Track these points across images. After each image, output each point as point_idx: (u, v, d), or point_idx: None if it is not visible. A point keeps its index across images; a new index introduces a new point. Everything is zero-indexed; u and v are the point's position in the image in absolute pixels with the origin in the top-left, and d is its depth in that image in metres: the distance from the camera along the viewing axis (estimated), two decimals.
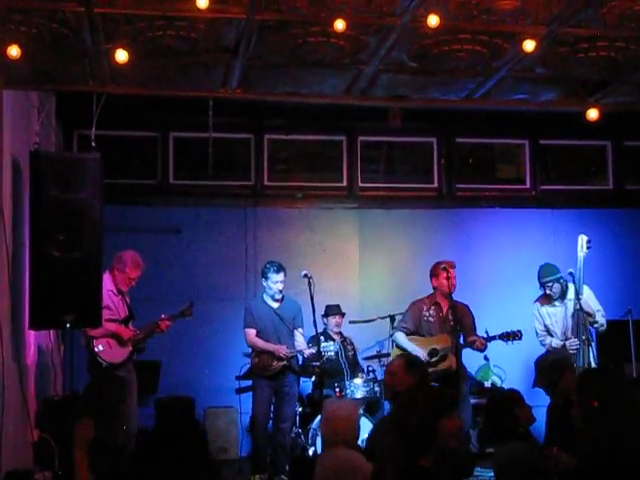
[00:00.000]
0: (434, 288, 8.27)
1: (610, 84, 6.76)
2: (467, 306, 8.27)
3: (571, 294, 8.09)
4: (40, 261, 6.57)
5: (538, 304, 8.35)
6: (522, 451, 5.19)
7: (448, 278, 8.01)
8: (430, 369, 7.64)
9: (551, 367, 6.00)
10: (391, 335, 8.56)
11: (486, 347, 8.10)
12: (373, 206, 10.74)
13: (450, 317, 8.06)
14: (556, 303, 8.21)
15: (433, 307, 8.21)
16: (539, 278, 8.24)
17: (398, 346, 8.26)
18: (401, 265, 10.10)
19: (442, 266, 8.10)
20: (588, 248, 8.09)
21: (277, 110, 9.82)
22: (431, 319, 8.20)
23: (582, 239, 8.15)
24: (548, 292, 8.21)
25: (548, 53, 6.07)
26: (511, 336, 7.94)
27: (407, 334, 8.24)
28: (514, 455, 5.22)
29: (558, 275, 8.19)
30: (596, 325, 8.11)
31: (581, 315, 7.96)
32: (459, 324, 7.96)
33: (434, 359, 7.97)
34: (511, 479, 5.19)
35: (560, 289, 8.17)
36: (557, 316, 8.21)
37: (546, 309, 8.27)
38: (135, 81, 6.52)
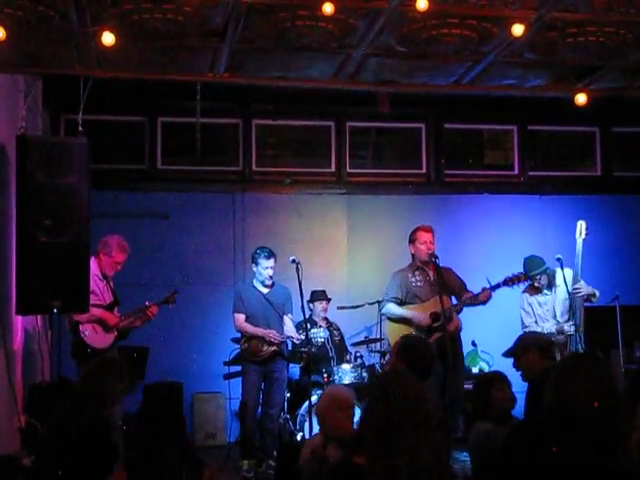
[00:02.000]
0: (412, 255, 8.03)
1: (599, 69, 6.76)
2: (451, 269, 8.05)
3: (559, 280, 8.08)
4: (27, 246, 6.54)
5: (527, 295, 8.24)
6: (488, 433, 5.30)
7: (425, 243, 7.83)
8: (440, 333, 7.54)
9: (518, 342, 6.08)
10: (381, 309, 8.23)
11: (490, 297, 7.81)
12: (361, 192, 10.73)
13: (438, 280, 7.70)
14: (546, 292, 8.20)
15: (418, 272, 7.95)
16: (525, 272, 8.17)
17: (393, 318, 7.96)
18: (389, 251, 10.08)
19: (419, 229, 7.94)
20: (587, 234, 8.07)
21: (265, 95, 9.78)
22: (419, 283, 7.92)
23: (581, 225, 8.11)
24: (536, 285, 8.17)
25: (537, 38, 6.06)
26: (515, 279, 7.78)
27: (398, 304, 7.95)
28: (480, 436, 5.38)
29: (544, 267, 8.14)
30: (594, 299, 8.10)
31: (578, 300, 7.93)
32: (449, 286, 7.77)
33: (438, 323, 7.60)
34: (477, 460, 5.40)
35: (547, 280, 8.15)
36: (547, 304, 8.19)
37: (536, 299, 8.22)
38: (122, 65, 6.47)
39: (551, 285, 8.17)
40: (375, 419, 3.46)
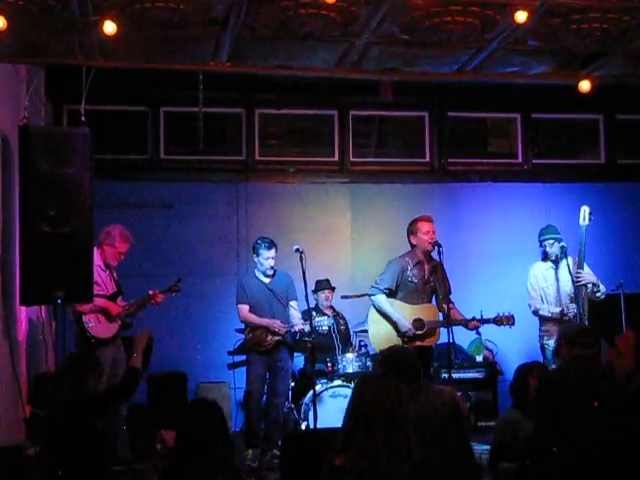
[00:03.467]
0: (413, 246, 7.90)
1: (603, 56, 6.72)
2: (443, 267, 7.80)
3: (563, 267, 8.08)
4: (30, 237, 6.54)
5: (534, 266, 8.32)
6: (515, 423, 5.61)
7: (427, 233, 7.77)
8: (416, 343, 7.59)
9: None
10: (371, 294, 7.97)
11: (479, 327, 7.92)
12: (365, 180, 10.73)
13: (431, 279, 7.83)
14: (551, 266, 8.19)
15: (417, 267, 7.85)
16: (539, 236, 8.22)
17: (380, 311, 7.83)
18: (393, 239, 10.01)
19: (419, 220, 7.86)
20: (590, 220, 8.06)
21: (268, 84, 9.78)
22: (415, 280, 7.82)
23: (584, 210, 8.10)
24: (548, 249, 8.16)
25: (540, 25, 6.02)
26: (504, 320, 7.83)
27: (388, 295, 7.83)
28: (507, 424, 5.74)
29: (559, 235, 8.18)
30: (599, 294, 8.09)
31: (582, 289, 7.93)
32: (440, 288, 7.76)
33: (419, 332, 7.66)
34: (497, 444, 5.73)
35: (559, 250, 8.14)
36: (550, 280, 8.19)
37: (541, 271, 8.25)
38: (124, 54, 6.44)
39: (557, 263, 8.15)
40: (344, 421, 3.70)
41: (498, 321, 7.85)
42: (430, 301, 7.93)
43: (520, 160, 11.10)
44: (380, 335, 7.79)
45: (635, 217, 10.75)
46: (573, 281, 7.93)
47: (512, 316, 7.89)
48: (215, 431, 4.15)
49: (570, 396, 4.69)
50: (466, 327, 7.89)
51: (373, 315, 7.94)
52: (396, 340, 7.63)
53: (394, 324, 7.74)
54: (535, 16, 5.80)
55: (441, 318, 7.84)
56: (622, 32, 6.11)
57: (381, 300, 7.83)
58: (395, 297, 7.88)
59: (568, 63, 6.92)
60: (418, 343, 7.65)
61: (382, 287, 7.86)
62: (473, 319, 7.82)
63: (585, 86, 6.90)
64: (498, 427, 5.92)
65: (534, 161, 11.08)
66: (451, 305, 7.77)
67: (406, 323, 7.70)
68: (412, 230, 7.91)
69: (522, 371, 5.87)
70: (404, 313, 7.78)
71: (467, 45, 6.46)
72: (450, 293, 7.90)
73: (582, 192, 10.29)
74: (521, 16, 5.70)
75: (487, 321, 7.83)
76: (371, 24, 5.95)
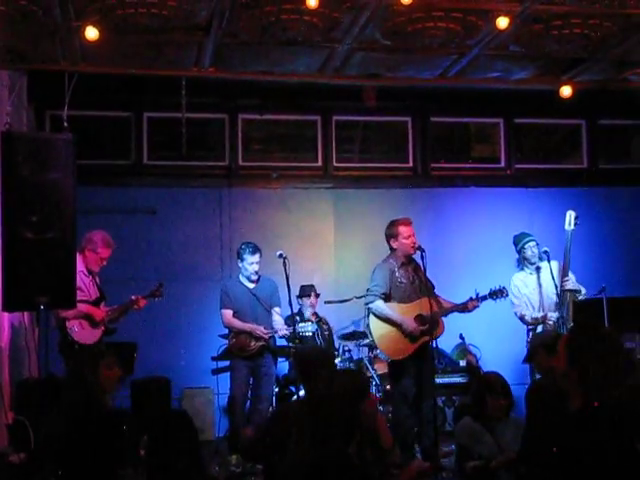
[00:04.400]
0: (393, 250, 7.83)
1: (584, 62, 6.77)
2: (420, 267, 7.75)
3: (545, 271, 8.11)
4: (13, 242, 6.49)
5: (514, 277, 8.35)
6: (472, 430, 5.80)
7: (409, 237, 7.69)
8: (425, 337, 7.50)
9: (527, 347, 6.18)
10: (367, 303, 7.86)
11: (477, 307, 7.73)
12: (348, 186, 10.72)
13: (415, 279, 7.74)
14: (530, 272, 8.23)
15: (402, 269, 7.77)
16: (515, 244, 8.26)
17: (379, 316, 7.70)
18: (376, 244, 9.97)
19: (400, 224, 7.77)
20: (576, 224, 8.09)
21: (251, 90, 9.77)
22: (403, 280, 7.73)
23: (570, 215, 8.13)
24: (528, 253, 8.19)
25: (522, 30, 6.08)
26: (497, 293, 7.74)
27: (384, 299, 7.72)
28: (465, 431, 5.89)
29: (532, 237, 8.24)
30: (580, 296, 8.13)
31: (566, 293, 7.96)
32: (423, 285, 7.65)
33: (423, 327, 7.51)
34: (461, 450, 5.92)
35: (538, 252, 8.18)
36: (532, 285, 8.22)
37: (521, 280, 8.28)
38: (107, 60, 6.47)
39: (538, 268, 8.17)
40: None
41: (493, 295, 7.74)
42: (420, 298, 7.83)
43: (503, 165, 11.13)
44: (389, 340, 7.69)
45: (617, 221, 10.80)
46: (556, 286, 7.96)
47: (504, 288, 7.82)
48: (182, 449, 4.15)
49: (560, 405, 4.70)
50: (465, 311, 7.74)
51: (375, 324, 7.79)
52: (404, 341, 7.58)
53: (398, 326, 7.63)
54: (517, 22, 5.85)
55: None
56: (603, 38, 6.17)
57: (379, 305, 7.70)
58: (389, 301, 7.77)
59: (550, 68, 6.97)
60: (426, 338, 7.53)
61: (378, 293, 7.73)
62: (470, 299, 7.72)
63: (566, 91, 6.96)
64: (458, 433, 6.04)
65: (517, 166, 11.11)
66: (439, 298, 7.77)
67: (409, 322, 7.59)
68: (392, 234, 7.83)
69: (480, 386, 5.93)
70: (403, 313, 7.67)
71: (449, 51, 6.51)
72: (434, 288, 7.86)
73: (564, 197, 10.33)
74: (503, 22, 5.75)
75: (484, 298, 7.72)
76: (353, 30, 5.99)
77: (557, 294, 7.95)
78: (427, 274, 7.61)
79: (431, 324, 7.47)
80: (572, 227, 8.08)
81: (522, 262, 8.33)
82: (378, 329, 7.76)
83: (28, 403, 6.67)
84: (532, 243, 8.22)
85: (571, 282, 8.01)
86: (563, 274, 7.99)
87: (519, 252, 8.32)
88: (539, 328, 8.08)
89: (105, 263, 7.81)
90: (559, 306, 7.96)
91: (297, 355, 6.48)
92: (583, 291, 8.12)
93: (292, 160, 10.84)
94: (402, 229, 7.78)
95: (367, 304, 7.87)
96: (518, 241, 8.31)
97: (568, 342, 3.52)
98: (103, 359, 5.43)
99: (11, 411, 6.85)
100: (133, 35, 5.86)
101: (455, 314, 7.83)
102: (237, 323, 8.24)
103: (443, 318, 7.74)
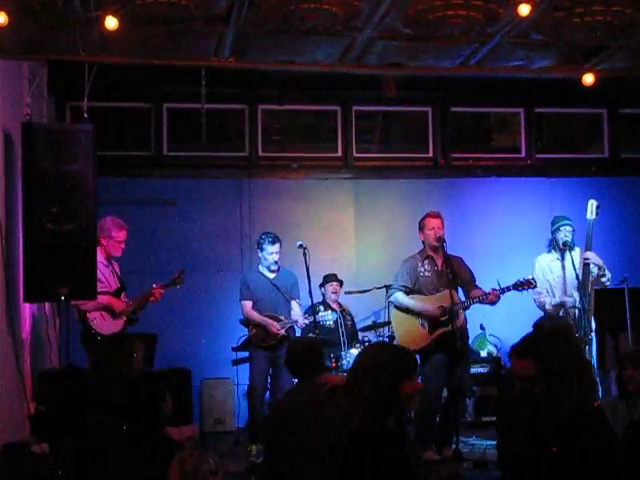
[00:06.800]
0: (422, 243, 7.92)
1: (606, 49, 6.70)
2: (462, 259, 7.96)
3: (569, 261, 8.08)
4: (34, 234, 6.53)
5: (539, 258, 8.34)
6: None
7: (432, 229, 7.74)
8: (444, 328, 7.53)
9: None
10: (389, 296, 8.05)
11: (499, 299, 7.68)
12: (368, 176, 10.70)
13: (447, 271, 7.69)
14: (557, 257, 8.21)
15: (427, 261, 7.83)
16: (553, 224, 8.28)
17: (400, 307, 7.80)
18: (396, 235, 10.06)
19: (427, 216, 7.87)
20: (598, 214, 8.06)
21: (271, 80, 9.77)
22: (427, 274, 7.79)
23: (592, 204, 8.11)
24: (561, 235, 8.16)
25: (543, 18, 6.00)
26: (525, 284, 7.67)
27: (407, 293, 7.81)
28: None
29: (572, 222, 8.22)
30: (604, 279, 8.10)
31: (588, 280, 7.93)
32: (457, 278, 7.71)
33: (444, 318, 7.55)
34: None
35: (571, 236, 8.15)
36: (557, 271, 8.20)
37: (547, 263, 8.26)
38: (126, 50, 6.44)
39: (566, 249, 8.13)
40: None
41: (519, 286, 7.67)
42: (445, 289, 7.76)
43: (524, 155, 11.07)
44: (406, 331, 7.75)
45: (639, 211, 10.72)
46: (577, 275, 7.93)
47: (533, 278, 7.75)
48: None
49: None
50: (487, 302, 7.70)
51: (395, 315, 7.90)
52: (422, 332, 7.64)
53: (419, 314, 7.69)
54: (538, 9, 5.78)
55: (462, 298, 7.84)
56: (626, 25, 6.09)
57: (399, 296, 7.79)
58: (414, 294, 7.83)
59: (572, 57, 6.90)
60: (443, 329, 7.56)
61: (399, 284, 7.83)
62: (493, 291, 7.66)
63: (589, 79, 6.89)
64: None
65: (538, 156, 11.05)
66: (476, 289, 7.80)
67: (431, 308, 7.63)
68: (420, 226, 7.93)
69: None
70: (426, 302, 7.74)
71: (470, 39, 6.44)
72: (474, 280, 7.90)
73: (585, 186, 10.27)
74: (524, 9, 5.69)
75: (507, 289, 7.64)
76: (374, 18, 5.94)
77: (577, 278, 7.93)
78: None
79: (450, 315, 7.47)
80: (594, 216, 8.05)
81: (552, 244, 8.32)
82: (398, 320, 7.84)
83: (49, 393, 6.68)
84: (569, 227, 8.23)
85: (594, 258, 8.00)
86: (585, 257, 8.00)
87: (553, 232, 8.30)
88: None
89: (124, 246, 7.77)
90: (579, 289, 7.92)
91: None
92: (608, 275, 8.09)
93: (312, 150, 10.83)
94: (428, 221, 7.85)
95: (389, 298, 8.00)
96: (556, 222, 8.32)
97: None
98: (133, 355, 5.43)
99: (33, 401, 6.88)
100: (152, 25, 5.83)
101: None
102: (255, 316, 8.25)
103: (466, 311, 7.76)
